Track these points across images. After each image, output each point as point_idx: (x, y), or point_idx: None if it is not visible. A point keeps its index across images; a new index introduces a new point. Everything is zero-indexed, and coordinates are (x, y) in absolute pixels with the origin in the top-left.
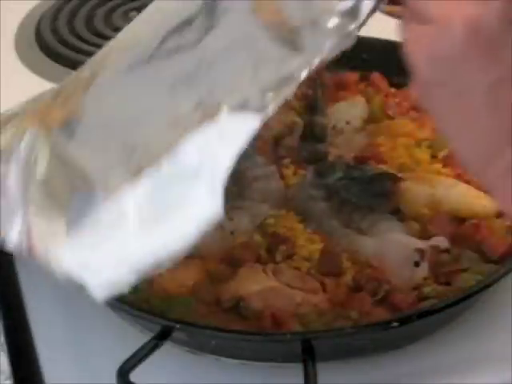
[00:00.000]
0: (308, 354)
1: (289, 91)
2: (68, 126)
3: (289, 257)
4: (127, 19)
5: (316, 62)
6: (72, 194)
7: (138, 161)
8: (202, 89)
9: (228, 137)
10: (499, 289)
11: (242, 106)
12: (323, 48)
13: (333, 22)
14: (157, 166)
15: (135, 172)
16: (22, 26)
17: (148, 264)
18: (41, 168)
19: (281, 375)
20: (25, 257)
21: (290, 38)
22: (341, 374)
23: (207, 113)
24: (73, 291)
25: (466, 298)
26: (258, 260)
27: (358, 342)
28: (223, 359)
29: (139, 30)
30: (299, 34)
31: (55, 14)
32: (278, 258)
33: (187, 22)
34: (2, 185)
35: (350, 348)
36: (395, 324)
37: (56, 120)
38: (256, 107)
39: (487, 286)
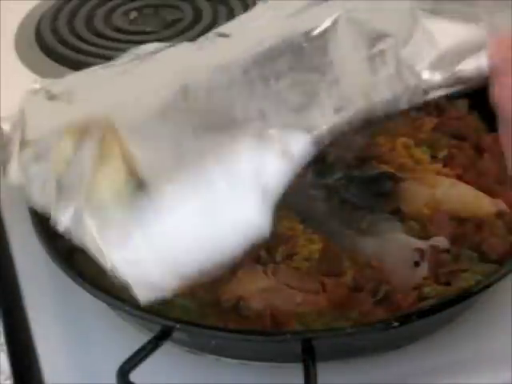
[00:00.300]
0: (308, 354)
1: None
2: None
3: (289, 257)
4: (127, 19)
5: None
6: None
7: (191, 167)
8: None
9: (284, 155)
10: (499, 289)
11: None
12: None
13: None
14: (210, 174)
15: (187, 179)
16: (22, 26)
17: (192, 271)
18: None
19: (281, 375)
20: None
21: None
22: (341, 374)
23: (265, 128)
24: (73, 291)
25: (466, 298)
26: (258, 260)
27: (358, 342)
28: (223, 359)
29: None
30: None
31: (55, 14)
32: (278, 258)
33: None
34: None
35: (350, 348)
36: (395, 324)
37: None
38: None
39: (487, 286)
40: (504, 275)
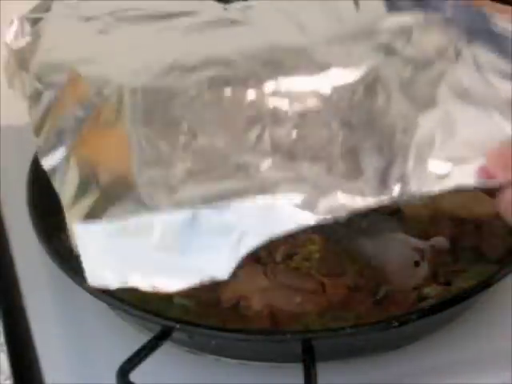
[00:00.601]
0: (308, 354)
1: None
2: None
3: (289, 257)
4: None
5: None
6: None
7: (185, 191)
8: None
9: (275, 218)
10: (499, 289)
11: (307, 202)
12: None
13: None
14: (200, 206)
15: (179, 201)
16: None
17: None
18: None
19: (281, 375)
20: None
21: None
22: (341, 374)
23: (267, 185)
24: (73, 291)
25: (466, 298)
26: (258, 260)
27: (358, 342)
28: (223, 359)
29: None
30: None
31: None
32: (278, 258)
33: None
34: None
35: (350, 348)
36: (395, 324)
37: None
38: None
39: (487, 286)
40: (504, 275)
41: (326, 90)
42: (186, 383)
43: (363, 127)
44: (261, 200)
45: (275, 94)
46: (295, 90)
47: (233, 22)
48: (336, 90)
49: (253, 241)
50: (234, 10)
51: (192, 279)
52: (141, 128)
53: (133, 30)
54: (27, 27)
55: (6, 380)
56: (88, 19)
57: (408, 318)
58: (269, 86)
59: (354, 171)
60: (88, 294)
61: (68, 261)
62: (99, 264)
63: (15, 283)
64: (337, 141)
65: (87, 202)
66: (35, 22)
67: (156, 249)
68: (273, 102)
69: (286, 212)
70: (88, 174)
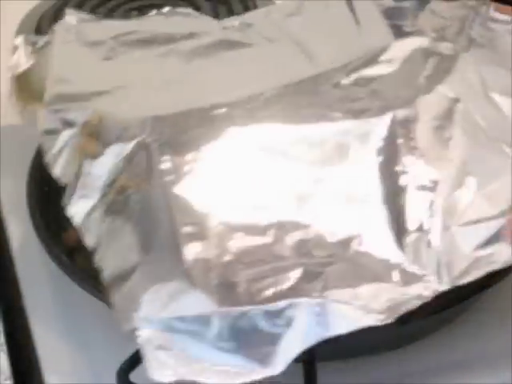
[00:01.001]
0: (308, 354)
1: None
2: None
3: None
4: (127, 19)
5: None
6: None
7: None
8: None
9: (330, 319)
10: (499, 289)
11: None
12: None
13: None
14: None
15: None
16: (22, 26)
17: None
18: None
19: (281, 375)
20: None
21: None
22: (341, 374)
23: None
24: (73, 291)
25: (466, 298)
26: None
27: (358, 342)
28: None
29: None
30: None
31: (55, 13)
32: None
33: None
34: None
35: (349, 348)
36: (395, 324)
37: None
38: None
39: (487, 286)
40: (504, 275)
41: None
42: (185, 383)
43: None
44: (315, 299)
45: None
46: None
47: (234, 44)
48: None
49: (305, 342)
50: (233, 30)
51: (248, 376)
52: None
53: (137, 55)
54: (29, 51)
55: (5, 380)
56: (92, 44)
57: (408, 318)
58: None
59: None
60: (88, 294)
61: (68, 261)
62: (158, 357)
63: (15, 283)
64: None
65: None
66: (39, 46)
67: (213, 343)
68: None
69: (340, 312)
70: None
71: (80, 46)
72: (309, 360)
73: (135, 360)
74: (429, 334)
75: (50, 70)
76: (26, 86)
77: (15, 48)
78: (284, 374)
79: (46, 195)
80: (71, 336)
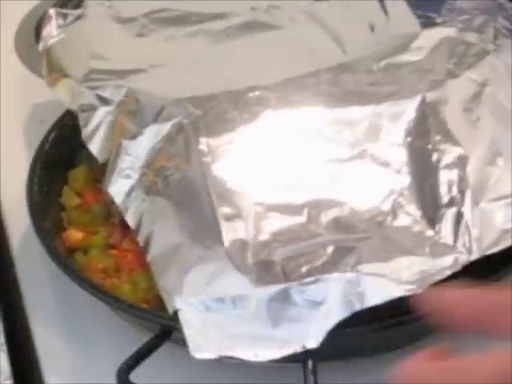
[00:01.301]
0: (308, 354)
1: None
2: None
3: None
4: None
5: None
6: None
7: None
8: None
9: (360, 292)
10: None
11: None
12: None
13: None
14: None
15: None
16: (22, 26)
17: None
18: None
19: (281, 375)
20: None
21: None
22: (341, 374)
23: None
24: (73, 291)
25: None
26: None
27: (358, 342)
28: (223, 359)
29: None
30: None
31: None
32: None
33: None
34: None
35: (349, 348)
36: (395, 324)
37: None
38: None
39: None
40: (504, 275)
41: None
42: (185, 383)
43: None
44: (349, 273)
45: None
46: None
47: (263, 26)
48: None
49: (339, 314)
50: (261, 11)
51: (287, 349)
52: None
53: (167, 34)
54: (61, 23)
55: (6, 380)
56: (124, 21)
57: (408, 318)
58: None
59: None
60: (88, 294)
61: (68, 261)
62: (200, 336)
63: (15, 283)
64: None
65: None
66: (70, 19)
67: (251, 320)
68: None
69: (373, 285)
70: None
71: (112, 21)
72: (309, 360)
73: (135, 360)
74: (429, 334)
75: (84, 44)
76: (57, 60)
77: (48, 18)
78: (284, 373)
79: (46, 195)
80: (71, 336)
